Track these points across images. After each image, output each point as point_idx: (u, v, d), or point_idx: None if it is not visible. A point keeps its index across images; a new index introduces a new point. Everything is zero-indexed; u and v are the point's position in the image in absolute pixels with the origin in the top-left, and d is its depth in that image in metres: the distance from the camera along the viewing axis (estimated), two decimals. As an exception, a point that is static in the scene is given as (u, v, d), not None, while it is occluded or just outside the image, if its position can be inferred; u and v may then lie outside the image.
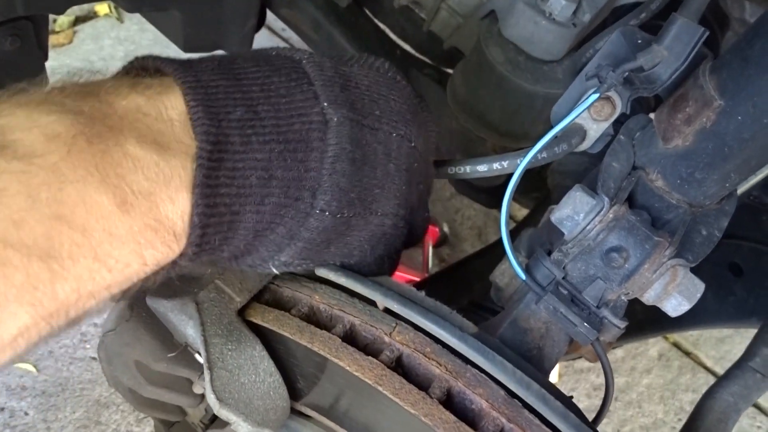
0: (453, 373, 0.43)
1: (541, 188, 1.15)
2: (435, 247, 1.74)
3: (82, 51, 1.82)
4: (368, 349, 0.45)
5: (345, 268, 0.47)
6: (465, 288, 0.93)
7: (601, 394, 1.67)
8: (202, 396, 0.59)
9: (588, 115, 0.61)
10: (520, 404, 0.42)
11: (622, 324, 0.55)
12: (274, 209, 0.38)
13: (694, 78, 0.52)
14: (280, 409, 0.49)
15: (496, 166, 0.59)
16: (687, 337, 1.90)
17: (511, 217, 1.99)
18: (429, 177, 0.55)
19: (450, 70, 1.00)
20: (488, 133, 0.91)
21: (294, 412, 0.54)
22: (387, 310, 0.47)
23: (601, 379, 1.58)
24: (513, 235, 1.06)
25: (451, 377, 0.42)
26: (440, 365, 0.43)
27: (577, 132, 0.62)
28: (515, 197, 1.21)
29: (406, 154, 0.46)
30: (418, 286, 0.51)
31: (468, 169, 0.59)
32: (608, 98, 0.59)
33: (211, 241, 0.36)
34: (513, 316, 0.58)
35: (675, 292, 0.54)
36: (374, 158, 0.43)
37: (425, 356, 0.43)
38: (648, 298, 0.55)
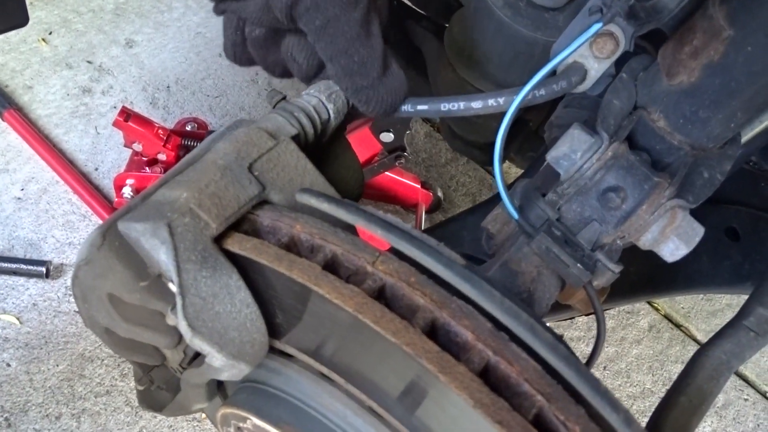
0: (438, 304, 0.40)
1: (537, 147, 1.12)
2: (428, 212, 1.72)
3: (71, 2, 1.77)
4: (350, 279, 0.43)
5: (327, 195, 0.44)
6: (456, 242, 0.90)
7: (597, 374, 1.67)
8: (180, 337, 0.57)
9: (589, 53, 0.58)
10: (507, 337, 0.40)
11: (617, 268, 0.53)
12: None
13: (702, 8, 0.50)
14: (257, 342, 0.47)
15: (491, 102, 0.56)
16: (678, 310, 1.90)
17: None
18: None
19: (447, 24, 0.96)
20: (485, 83, 0.88)
21: (274, 351, 0.52)
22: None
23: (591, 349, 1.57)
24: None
25: (435, 308, 0.40)
26: (425, 295, 0.41)
27: (577, 70, 0.59)
28: (510, 156, 1.19)
29: None
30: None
31: (462, 105, 0.56)
32: (611, 34, 0.57)
33: None
34: (504, 258, 0.56)
35: (673, 235, 0.52)
36: None
37: (409, 286, 0.41)
38: (644, 241, 0.53)
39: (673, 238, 0.51)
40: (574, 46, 0.53)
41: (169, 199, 0.45)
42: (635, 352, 1.77)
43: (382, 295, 0.42)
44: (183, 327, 0.42)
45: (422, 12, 1.09)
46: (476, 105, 0.56)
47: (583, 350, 1.67)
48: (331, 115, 0.57)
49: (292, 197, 0.49)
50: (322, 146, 0.59)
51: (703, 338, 1.88)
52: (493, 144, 1.12)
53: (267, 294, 0.47)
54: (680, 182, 0.52)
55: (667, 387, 1.82)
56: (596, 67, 0.59)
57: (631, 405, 1.70)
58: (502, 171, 0.53)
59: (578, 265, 0.50)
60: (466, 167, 1.91)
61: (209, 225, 0.45)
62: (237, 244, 0.45)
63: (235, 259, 0.46)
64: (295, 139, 0.52)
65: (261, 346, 0.48)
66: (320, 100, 0.56)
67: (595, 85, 0.60)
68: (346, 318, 0.41)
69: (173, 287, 0.45)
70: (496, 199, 1.00)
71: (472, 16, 0.83)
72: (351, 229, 0.48)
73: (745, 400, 1.77)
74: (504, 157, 1.19)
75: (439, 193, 1.71)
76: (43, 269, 1.31)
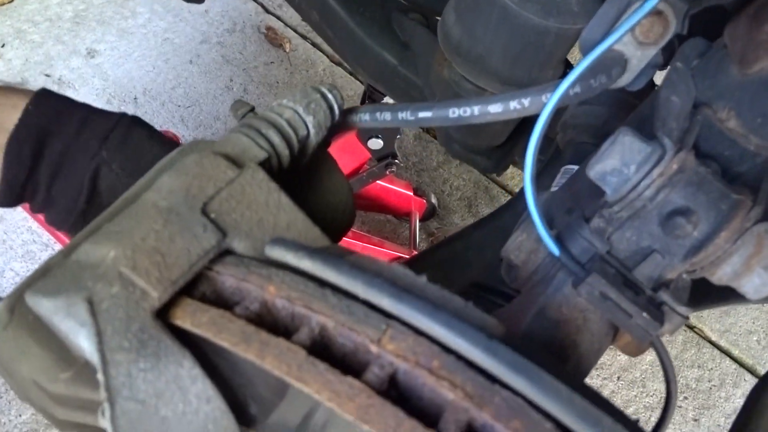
0: (475, 399, 0.28)
1: (545, 149, 1.00)
2: (422, 220, 1.60)
3: (26, 11, 1.63)
4: (347, 363, 0.31)
5: (308, 247, 0.32)
6: (463, 266, 0.78)
7: (611, 385, 1.55)
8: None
9: (630, 38, 0.47)
10: (576, 443, 0.28)
11: (687, 312, 0.41)
12: None
13: (791, -28, 0.38)
14: (225, 446, 0.35)
15: (514, 105, 0.44)
16: (691, 311, 1.79)
17: (503, 187, 1.86)
18: None
19: (437, 17, 0.84)
20: (488, 80, 0.76)
21: (250, 441, 0.40)
22: (372, 305, 0.32)
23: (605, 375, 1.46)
24: (512, 208, 0.92)
25: (472, 405, 0.28)
26: (455, 387, 0.29)
27: (616, 61, 0.47)
28: (514, 160, 1.07)
29: None
30: (406, 266, 0.37)
31: (477, 110, 0.44)
32: (659, 13, 0.45)
33: None
34: (540, 304, 0.44)
35: (760, 267, 0.40)
36: None
37: (432, 373, 0.29)
38: (721, 276, 0.41)
39: (760, 271, 0.40)
40: (623, 30, 0.41)
41: (92, 260, 0.32)
42: (649, 359, 1.66)
43: (393, 387, 0.30)
44: (114, 445, 0.30)
45: (409, 2, 0.97)
46: (495, 109, 0.44)
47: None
48: (311, 130, 0.44)
49: (262, 245, 0.37)
50: (301, 170, 0.47)
51: (717, 339, 1.78)
52: (498, 148, 1.00)
53: (234, 381, 0.34)
54: (766, 199, 0.40)
55: (684, 394, 1.69)
56: (639, 56, 0.47)
57: (648, 417, 1.59)
58: (536, 193, 0.42)
59: (644, 314, 0.38)
60: (459, 170, 1.80)
61: (148, 294, 0.32)
62: (189, 318, 0.33)
63: (189, 338, 0.33)
64: (265, 164, 0.40)
65: (230, 448, 0.35)
66: (296, 111, 0.43)
67: (636, 78, 0.49)
68: (343, 423, 0.29)
69: (101, 383, 0.32)
70: (506, 212, 0.89)
71: (472, 3, 0.71)
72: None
73: None
74: (507, 162, 1.07)
75: (434, 200, 1.59)
76: (0, 308, 1.18)
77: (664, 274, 0.41)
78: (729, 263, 0.40)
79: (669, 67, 0.46)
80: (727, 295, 0.47)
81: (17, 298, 0.36)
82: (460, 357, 0.30)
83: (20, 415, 1.13)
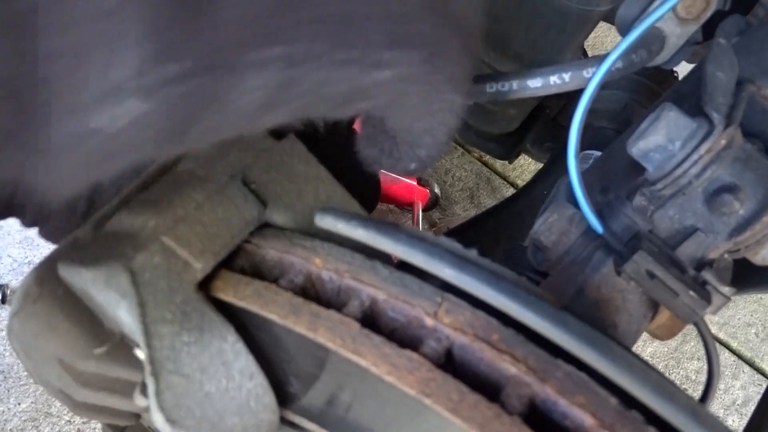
0: (538, 373, 0.27)
1: (557, 137, 0.99)
2: (425, 210, 1.59)
3: None
4: (401, 337, 0.29)
5: (361, 216, 0.31)
6: (482, 253, 0.77)
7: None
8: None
9: (671, 15, 0.46)
10: (643, 419, 0.27)
11: (731, 292, 0.40)
12: None
13: None
14: (265, 424, 0.33)
15: (554, 80, 0.43)
16: (690, 303, 1.79)
17: (504, 178, 1.85)
18: None
19: None
20: (508, 63, 0.75)
21: (285, 422, 0.38)
22: (423, 276, 0.31)
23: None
24: (527, 195, 0.91)
25: (534, 379, 0.27)
26: (517, 361, 0.27)
27: (656, 37, 0.46)
28: (526, 147, 1.06)
29: None
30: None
31: (515, 85, 0.43)
32: (702, -12, 0.44)
33: None
34: (578, 283, 0.43)
35: (805, 246, 0.39)
36: None
37: (492, 347, 0.28)
38: (765, 255, 0.40)
39: (806, 251, 0.39)
40: (671, 3, 0.40)
41: (131, 229, 0.31)
42: (650, 351, 1.66)
43: (450, 362, 0.29)
44: (159, 420, 0.29)
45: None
46: (534, 83, 0.43)
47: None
48: (345, 103, 0.43)
49: (303, 217, 0.35)
50: (333, 143, 0.45)
51: (716, 331, 1.78)
52: (511, 135, 0.99)
53: (277, 357, 0.33)
54: (812, 177, 0.39)
55: (685, 386, 1.70)
56: (678, 33, 0.46)
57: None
58: (579, 170, 0.40)
59: (691, 292, 0.37)
60: (461, 160, 1.79)
61: (190, 265, 0.31)
62: (232, 291, 0.31)
63: (230, 311, 0.32)
64: (302, 135, 0.39)
65: (270, 427, 0.34)
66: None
67: (674, 55, 0.48)
68: (400, 398, 0.28)
69: (141, 355, 0.31)
70: (521, 199, 0.88)
71: (494, -17, 0.69)
72: (386, 257, 0.35)
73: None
74: (519, 150, 1.06)
75: (436, 190, 1.58)
76: (-1, 294, 1.16)
77: (707, 253, 0.41)
78: (774, 242, 0.39)
79: (710, 44, 0.45)
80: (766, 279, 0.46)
81: (47, 270, 0.35)
82: (518, 330, 0.29)
83: (19, 404, 1.11)
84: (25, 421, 1.10)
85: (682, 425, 0.24)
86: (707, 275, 0.40)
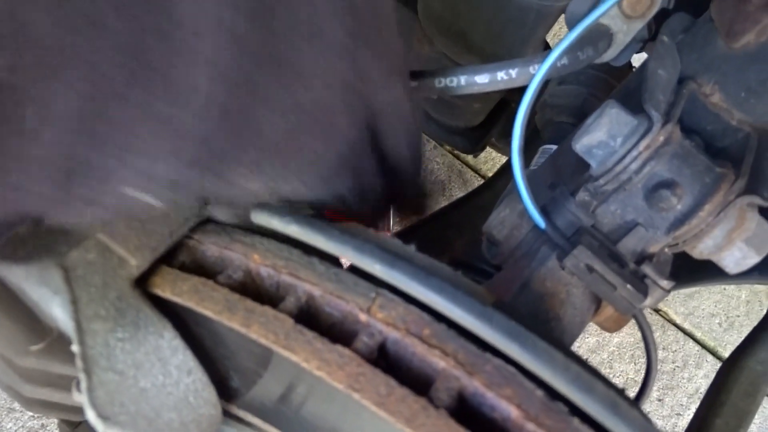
0: (466, 367, 0.28)
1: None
2: (396, 203, 1.60)
3: None
4: (335, 332, 0.30)
5: (296, 212, 0.31)
6: (442, 245, 0.78)
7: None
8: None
9: (617, 12, 0.46)
10: (567, 410, 0.28)
11: (669, 285, 0.42)
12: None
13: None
14: (205, 419, 0.34)
15: (501, 75, 0.43)
16: (657, 294, 1.82)
17: (476, 171, 1.86)
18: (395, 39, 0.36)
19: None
20: (469, 57, 0.76)
21: (229, 416, 0.39)
22: (358, 272, 0.31)
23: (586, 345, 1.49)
24: (491, 188, 0.91)
25: (463, 373, 0.28)
26: (446, 355, 0.28)
27: (603, 34, 0.47)
28: (491, 141, 1.07)
29: None
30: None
31: (463, 80, 0.44)
32: (646, -13, 0.45)
33: None
34: (524, 277, 0.43)
35: (740, 241, 0.40)
36: None
37: (423, 342, 0.28)
38: (702, 249, 0.42)
39: (740, 245, 0.40)
40: (610, 3, 0.40)
41: (65, 227, 0.31)
42: (616, 341, 1.70)
43: (382, 356, 0.29)
44: (91, 416, 0.29)
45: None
46: (482, 79, 0.44)
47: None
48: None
49: (244, 213, 0.35)
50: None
51: (681, 322, 1.82)
52: (477, 128, 1.00)
53: (218, 353, 0.33)
54: (748, 173, 0.40)
55: (651, 376, 1.70)
56: (625, 30, 0.47)
57: (615, 397, 1.63)
58: (523, 167, 0.41)
59: (628, 286, 0.38)
60: (433, 153, 1.79)
61: (126, 261, 0.31)
62: (169, 287, 0.31)
63: (170, 307, 0.32)
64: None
65: (210, 421, 0.34)
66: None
67: (621, 52, 0.49)
68: (332, 392, 0.28)
69: (76, 353, 0.31)
70: (485, 192, 0.89)
71: (454, -23, 0.70)
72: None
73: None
74: (484, 143, 1.07)
75: (408, 183, 1.58)
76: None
77: (648, 247, 0.42)
78: (711, 236, 0.41)
79: (655, 41, 0.46)
80: (705, 271, 0.47)
81: (-17, 267, 0.34)
82: (450, 325, 0.29)
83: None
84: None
85: (598, 415, 0.25)
86: (647, 269, 0.41)
